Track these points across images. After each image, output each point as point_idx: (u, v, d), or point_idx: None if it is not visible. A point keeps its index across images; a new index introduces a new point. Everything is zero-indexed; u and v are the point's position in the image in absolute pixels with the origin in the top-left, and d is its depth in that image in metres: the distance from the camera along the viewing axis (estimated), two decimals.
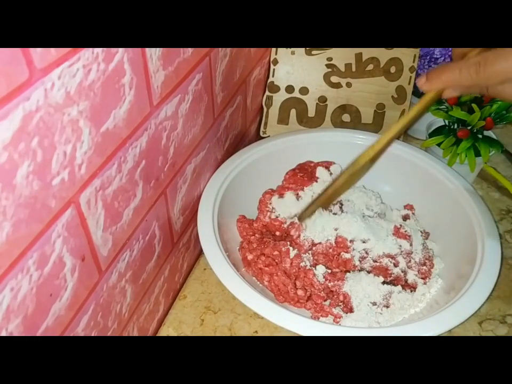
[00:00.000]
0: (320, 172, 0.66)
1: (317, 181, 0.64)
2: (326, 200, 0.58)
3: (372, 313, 0.54)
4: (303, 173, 0.66)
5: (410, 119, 0.49)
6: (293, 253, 0.57)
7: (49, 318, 0.35)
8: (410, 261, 0.58)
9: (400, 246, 0.58)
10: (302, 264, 0.56)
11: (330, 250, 0.57)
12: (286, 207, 0.62)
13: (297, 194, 0.63)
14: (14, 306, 0.31)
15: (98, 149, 0.37)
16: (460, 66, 0.40)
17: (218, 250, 0.52)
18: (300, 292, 0.54)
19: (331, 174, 0.66)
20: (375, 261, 0.57)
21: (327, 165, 0.68)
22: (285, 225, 0.61)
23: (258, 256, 0.57)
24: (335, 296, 0.55)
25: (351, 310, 0.54)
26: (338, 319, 0.53)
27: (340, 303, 0.55)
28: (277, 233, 0.62)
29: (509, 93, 0.39)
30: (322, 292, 0.54)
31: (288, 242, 0.58)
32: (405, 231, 0.60)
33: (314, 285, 0.54)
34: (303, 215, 0.59)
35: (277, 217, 0.62)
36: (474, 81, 0.39)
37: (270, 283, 0.56)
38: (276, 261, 0.56)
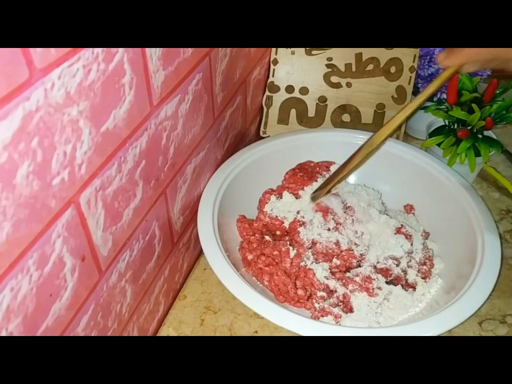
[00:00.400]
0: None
1: (316, 181, 0.64)
2: (341, 179, 0.58)
3: (371, 313, 0.54)
4: (303, 173, 0.66)
5: (428, 95, 0.49)
6: (292, 252, 0.57)
7: (49, 318, 0.35)
8: (410, 261, 0.58)
9: (402, 245, 0.58)
10: (302, 263, 0.56)
11: (330, 251, 0.57)
12: (286, 207, 0.63)
13: (297, 194, 0.63)
14: (14, 306, 0.31)
15: (98, 149, 0.37)
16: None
17: (218, 250, 0.52)
18: (300, 292, 0.54)
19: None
20: (377, 261, 0.57)
21: (327, 164, 0.68)
22: (285, 224, 0.61)
23: (258, 256, 0.57)
24: (335, 296, 0.55)
25: (351, 310, 0.54)
26: (338, 319, 0.53)
27: (340, 303, 0.55)
28: (277, 232, 0.62)
29: None
30: (322, 292, 0.54)
31: (288, 242, 0.58)
32: (406, 230, 0.60)
33: (314, 284, 0.54)
34: (317, 195, 0.59)
35: (277, 216, 0.62)
36: (494, 54, 0.39)
37: (270, 283, 0.56)
38: (276, 260, 0.56)
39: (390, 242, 0.59)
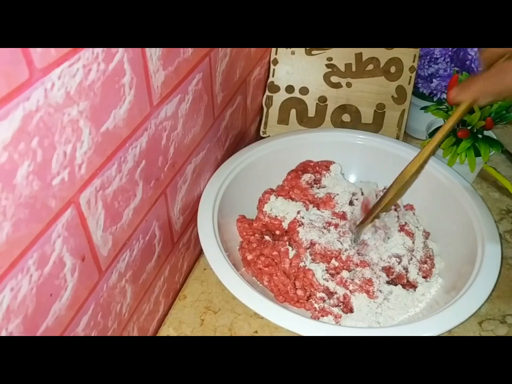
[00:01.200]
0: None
1: (317, 184, 0.65)
2: (376, 215, 0.58)
3: (372, 313, 0.53)
4: (305, 174, 0.66)
5: (447, 131, 0.50)
6: (292, 253, 0.57)
7: (49, 318, 0.35)
8: (412, 259, 0.58)
9: (404, 243, 0.58)
10: (301, 264, 0.56)
11: (329, 252, 0.57)
12: (286, 206, 0.63)
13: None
14: (14, 306, 0.31)
15: (98, 149, 0.37)
16: (485, 76, 0.41)
17: (218, 250, 0.52)
18: (299, 292, 0.54)
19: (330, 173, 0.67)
20: (379, 259, 0.57)
21: (327, 164, 0.68)
22: (284, 224, 0.61)
23: (258, 257, 0.57)
24: (335, 297, 0.55)
25: (351, 310, 0.54)
26: (338, 319, 0.53)
27: (340, 304, 0.55)
28: (277, 232, 0.62)
29: None
30: (322, 293, 0.54)
31: (287, 242, 0.58)
32: (409, 228, 0.60)
33: (313, 285, 0.54)
34: (359, 230, 0.59)
35: (276, 216, 0.62)
36: (500, 89, 0.40)
37: (270, 283, 0.56)
38: (276, 261, 0.56)
39: (393, 240, 0.59)
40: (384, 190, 0.67)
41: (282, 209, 0.62)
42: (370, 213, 0.58)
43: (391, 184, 0.56)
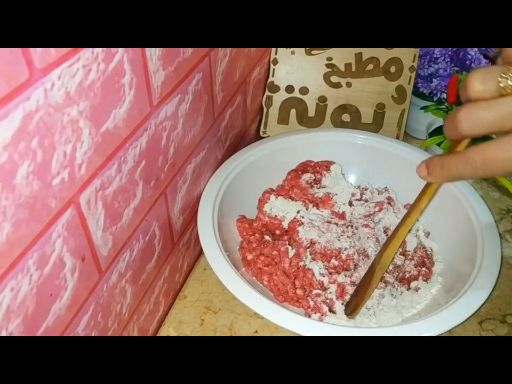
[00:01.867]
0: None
1: (317, 184, 0.65)
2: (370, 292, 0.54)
3: (372, 313, 0.53)
4: (305, 173, 0.66)
5: (420, 211, 0.49)
6: (291, 252, 0.57)
7: (50, 318, 0.35)
8: (412, 259, 0.58)
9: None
10: (301, 263, 0.56)
11: (329, 251, 0.57)
12: (285, 206, 0.63)
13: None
14: (14, 306, 0.31)
15: (98, 149, 0.37)
16: (457, 163, 0.37)
17: (218, 250, 0.52)
18: (299, 291, 0.54)
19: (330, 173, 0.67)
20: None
21: (327, 164, 0.68)
22: (284, 224, 0.61)
23: (258, 256, 0.57)
24: (328, 292, 0.54)
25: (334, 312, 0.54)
26: (322, 317, 0.53)
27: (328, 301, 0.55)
28: (277, 231, 0.62)
29: None
30: (318, 290, 0.54)
31: (287, 242, 0.58)
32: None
33: (313, 284, 0.54)
34: (352, 310, 0.53)
35: (276, 216, 0.62)
36: (475, 176, 0.38)
37: (270, 283, 0.56)
38: (275, 260, 0.56)
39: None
40: (381, 189, 0.67)
41: (282, 209, 0.62)
42: (360, 301, 0.53)
43: (369, 270, 0.54)
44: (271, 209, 0.62)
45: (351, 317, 0.53)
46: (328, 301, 0.54)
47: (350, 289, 0.55)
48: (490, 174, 0.35)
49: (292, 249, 0.57)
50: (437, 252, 0.61)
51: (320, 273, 0.55)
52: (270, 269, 0.56)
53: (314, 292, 0.54)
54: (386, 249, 0.52)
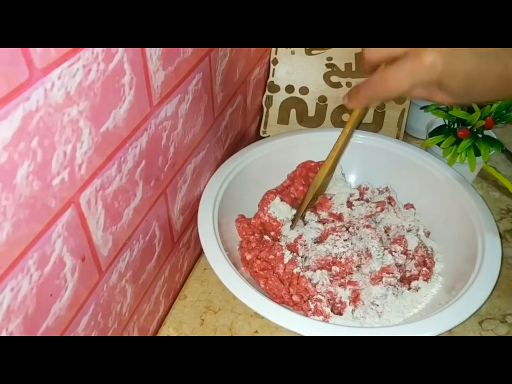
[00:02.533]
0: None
1: None
2: (308, 207, 0.63)
3: (372, 313, 0.53)
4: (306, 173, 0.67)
5: (345, 136, 0.56)
6: (287, 258, 0.56)
7: (50, 318, 0.35)
8: (411, 260, 0.58)
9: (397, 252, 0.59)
10: (296, 270, 0.55)
11: (327, 260, 0.56)
12: (287, 212, 0.63)
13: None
14: (15, 306, 0.31)
15: (98, 149, 0.37)
16: (368, 84, 0.43)
17: (219, 250, 0.52)
18: (295, 298, 0.54)
19: None
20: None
21: None
22: (281, 228, 0.61)
23: (255, 259, 0.56)
24: (335, 300, 0.54)
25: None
26: (327, 319, 0.53)
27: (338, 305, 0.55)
28: (272, 233, 0.61)
29: (421, 95, 0.42)
30: (321, 295, 0.54)
31: (283, 247, 0.57)
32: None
33: (309, 291, 0.54)
34: (294, 223, 0.62)
35: (276, 218, 0.61)
36: (384, 95, 0.43)
37: (266, 286, 0.55)
38: (272, 264, 0.56)
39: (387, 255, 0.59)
40: (382, 189, 0.67)
41: (284, 213, 0.62)
42: (297, 213, 0.63)
43: (308, 188, 0.62)
44: (273, 211, 0.62)
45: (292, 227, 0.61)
46: (339, 305, 0.54)
47: (362, 294, 0.55)
48: (388, 92, 0.42)
49: (289, 253, 0.57)
50: (437, 252, 0.61)
51: (325, 282, 0.54)
52: (266, 274, 0.55)
53: (316, 296, 0.54)
54: (319, 171, 0.59)
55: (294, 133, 0.72)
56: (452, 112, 0.66)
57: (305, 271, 0.56)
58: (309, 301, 0.54)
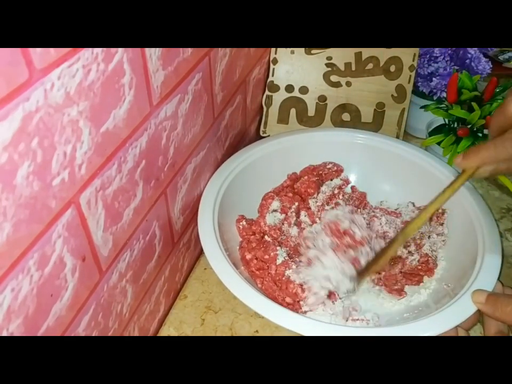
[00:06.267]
0: None
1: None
2: (378, 267, 0.55)
3: (372, 313, 0.54)
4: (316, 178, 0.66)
5: (446, 199, 0.50)
6: (280, 259, 0.55)
7: (50, 318, 0.35)
8: (413, 258, 0.58)
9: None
10: (287, 272, 0.53)
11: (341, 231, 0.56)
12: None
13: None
14: (15, 306, 0.31)
15: (98, 149, 0.37)
16: (495, 142, 0.41)
17: (219, 250, 0.52)
18: (288, 299, 0.53)
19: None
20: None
21: (337, 170, 0.68)
22: (281, 234, 0.61)
23: (252, 259, 0.56)
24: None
25: (354, 309, 0.54)
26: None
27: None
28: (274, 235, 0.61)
29: None
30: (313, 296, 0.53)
31: (279, 247, 0.57)
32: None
33: (298, 295, 0.52)
34: (361, 279, 0.54)
35: (275, 224, 0.61)
36: (510, 155, 0.41)
37: (262, 287, 0.54)
38: (267, 264, 0.55)
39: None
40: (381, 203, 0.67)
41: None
42: (371, 266, 0.53)
43: (394, 238, 0.53)
44: (272, 221, 0.61)
45: (358, 279, 0.52)
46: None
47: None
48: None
49: (285, 253, 0.55)
50: (437, 251, 0.61)
51: (323, 287, 0.53)
52: (261, 273, 0.55)
53: (307, 299, 0.52)
54: (413, 220, 0.52)
55: (294, 132, 0.72)
56: (451, 111, 0.66)
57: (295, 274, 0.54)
58: (301, 301, 0.53)
